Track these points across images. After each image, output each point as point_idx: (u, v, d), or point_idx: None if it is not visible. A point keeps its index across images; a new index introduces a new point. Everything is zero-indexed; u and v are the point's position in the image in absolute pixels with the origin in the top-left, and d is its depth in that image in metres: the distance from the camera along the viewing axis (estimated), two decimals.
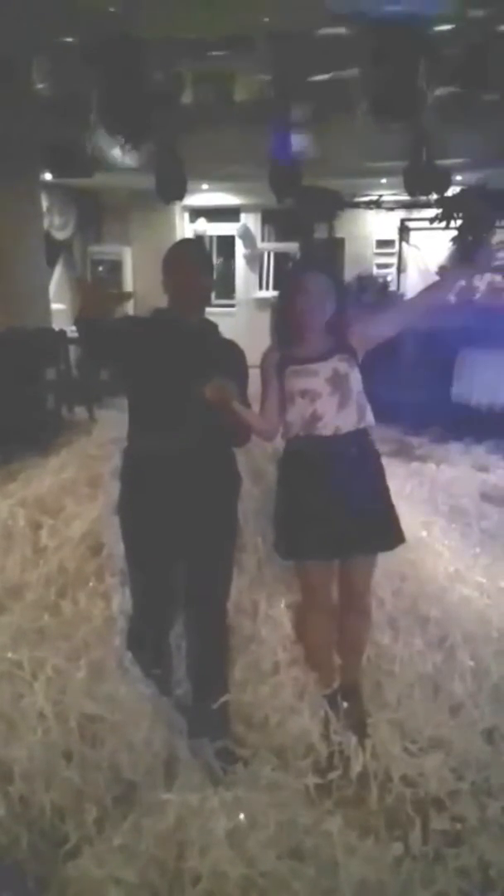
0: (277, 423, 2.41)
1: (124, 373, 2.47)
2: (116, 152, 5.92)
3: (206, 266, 2.48)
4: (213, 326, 2.42)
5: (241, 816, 1.74)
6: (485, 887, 1.82)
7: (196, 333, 2.35)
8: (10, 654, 2.13)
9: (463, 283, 6.42)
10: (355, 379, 2.39)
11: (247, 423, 2.30)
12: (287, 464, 2.45)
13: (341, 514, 2.30)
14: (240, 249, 8.88)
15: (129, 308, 8.00)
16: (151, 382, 2.30)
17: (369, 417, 2.42)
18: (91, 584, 2.61)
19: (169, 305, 2.38)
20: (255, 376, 2.44)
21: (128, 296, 2.82)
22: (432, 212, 6.69)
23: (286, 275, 2.70)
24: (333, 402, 2.33)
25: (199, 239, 3.42)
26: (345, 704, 2.30)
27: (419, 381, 5.90)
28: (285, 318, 2.41)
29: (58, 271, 7.76)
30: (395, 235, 8.04)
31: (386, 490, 2.43)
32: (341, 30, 4.38)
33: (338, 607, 2.46)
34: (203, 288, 2.38)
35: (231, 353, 2.39)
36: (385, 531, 2.39)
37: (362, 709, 2.33)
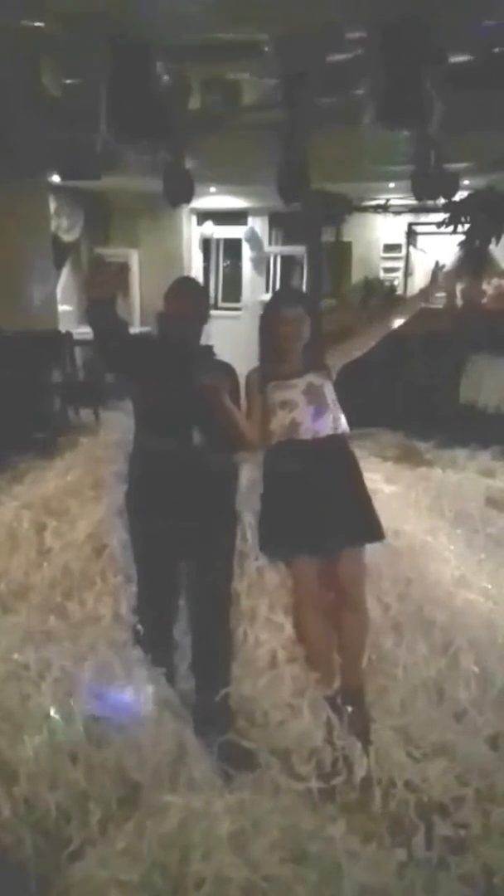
0: (260, 432, 2.72)
1: (129, 384, 2.87)
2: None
3: (202, 300, 2.96)
4: (209, 349, 2.85)
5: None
6: (488, 894, 1.81)
7: (193, 354, 2.72)
8: (15, 656, 2.13)
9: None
10: (329, 390, 2.75)
11: (235, 421, 2.63)
12: (270, 467, 2.72)
13: (321, 510, 2.54)
14: (247, 253, 8.89)
15: (136, 308, 8.06)
16: (154, 396, 2.67)
17: (344, 424, 2.76)
18: (97, 585, 2.62)
19: (170, 330, 2.80)
20: None
21: (126, 268, 2.95)
22: (440, 216, 6.68)
23: (267, 306, 2.97)
24: (310, 411, 2.67)
25: (195, 279, 3.54)
26: (349, 709, 2.30)
27: (427, 385, 5.90)
28: (267, 343, 2.80)
29: (65, 273, 7.78)
30: (402, 239, 8.00)
31: (363, 488, 2.69)
32: (349, 34, 4.38)
33: (334, 607, 2.52)
34: (199, 317, 2.79)
35: (224, 371, 2.74)
36: (363, 525, 2.60)
37: (365, 713, 2.33)
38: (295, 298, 3.00)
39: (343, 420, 2.76)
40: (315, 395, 2.70)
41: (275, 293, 3.15)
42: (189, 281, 3.33)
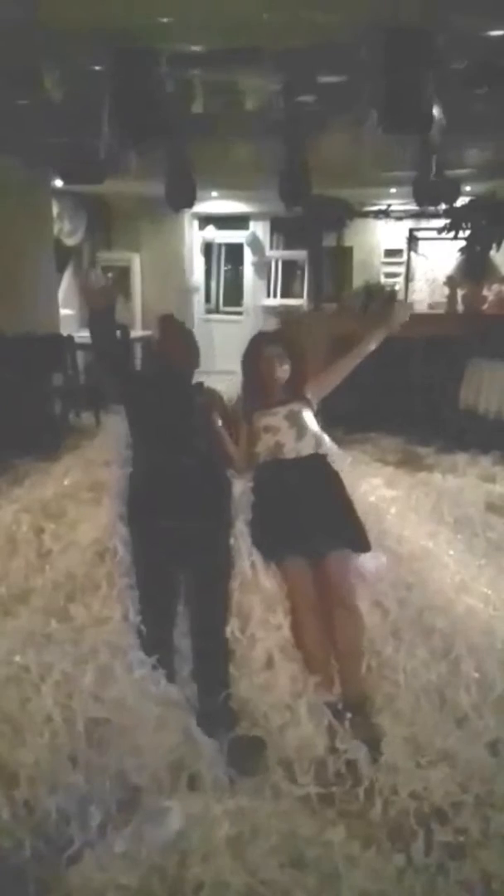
0: (247, 456, 3.03)
1: (125, 397, 3.13)
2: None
3: (192, 343, 3.26)
4: (199, 384, 3.14)
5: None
6: None
7: (186, 386, 3.06)
8: (17, 658, 2.13)
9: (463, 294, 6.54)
10: (309, 416, 3.08)
11: (224, 442, 3.01)
12: (259, 481, 2.93)
13: (304, 515, 2.73)
14: (248, 257, 8.92)
15: (138, 312, 8.07)
16: (149, 412, 2.96)
17: (326, 445, 3.07)
18: (101, 589, 2.61)
19: (167, 365, 3.17)
20: None
21: (125, 273, 3.06)
22: (441, 222, 6.71)
23: (249, 347, 3.24)
24: (292, 434, 2.98)
25: (183, 323, 3.67)
26: (348, 715, 2.29)
27: (428, 390, 5.91)
28: (249, 378, 3.15)
29: (67, 277, 7.80)
30: (403, 245, 8.04)
31: (344, 497, 2.87)
32: (351, 39, 4.39)
33: (328, 611, 2.55)
34: (191, 356, 3.17)
35: (215, 394, 3.12)
36: (345, 529, 2.74)
37: (371, 723, 2.31)
38: (274, 338, 3.29)
39: (325, 440, 3.07)
40: (296, 420, 3.02)
41: (255, 335, 3.34)
42: (181, 328, 3.45)
